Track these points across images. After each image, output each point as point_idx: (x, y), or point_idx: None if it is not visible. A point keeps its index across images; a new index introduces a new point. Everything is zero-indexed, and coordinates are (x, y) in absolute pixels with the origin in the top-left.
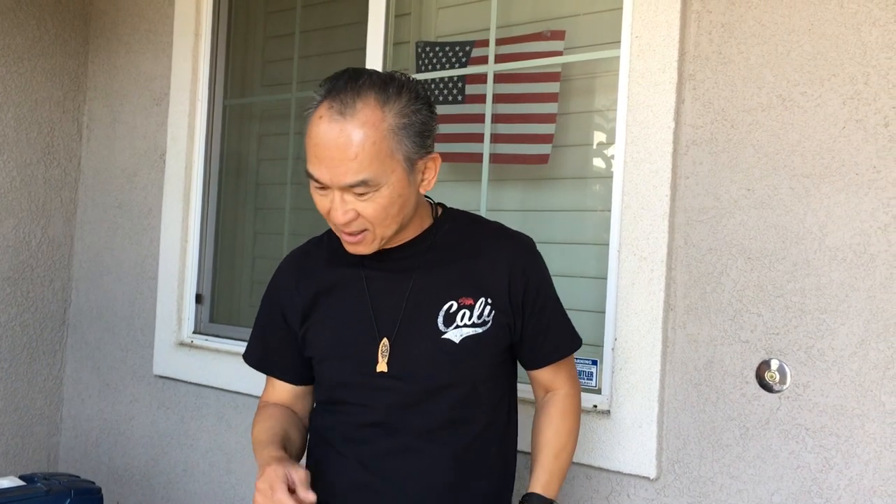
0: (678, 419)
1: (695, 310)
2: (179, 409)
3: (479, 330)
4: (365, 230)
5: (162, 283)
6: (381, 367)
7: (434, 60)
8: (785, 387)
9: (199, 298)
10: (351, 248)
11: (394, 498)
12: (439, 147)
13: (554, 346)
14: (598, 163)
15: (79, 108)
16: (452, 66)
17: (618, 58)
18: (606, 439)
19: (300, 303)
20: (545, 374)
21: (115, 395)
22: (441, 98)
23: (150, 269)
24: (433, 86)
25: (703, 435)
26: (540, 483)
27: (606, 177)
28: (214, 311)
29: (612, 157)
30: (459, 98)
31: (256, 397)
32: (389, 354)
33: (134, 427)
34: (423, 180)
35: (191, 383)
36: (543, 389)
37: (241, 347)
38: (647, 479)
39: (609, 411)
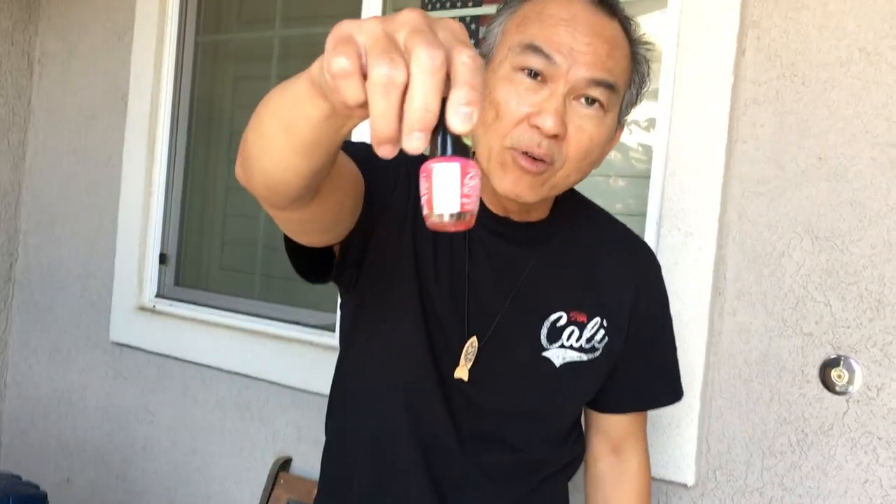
0: (723, 420)
1: (748, 295)
2: (139, 381)
3: (585, 357)
4: (550, 163)
5: (121, 240)
6: (461, 372)
7: None
8: (854, 388)
9: (163, 258)
10: (513, 181)
11: None
12: None
13: (651, 388)
14: (637, 120)
15: (29, 40)
16: (464, 5)
17: None
18: None
19: (403, 210)
20: (620, 424)
21: (66, 362)
22: None
23: (108, 223)
24: None
25: (753, 439)
26: None
27: (647, 136)
28: (180, 274)
29: (655, 113)
30: (472, 41)
31: (227, 371)
32: (475, 359)
33: (87, 398)
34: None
35: (152, 353)
36: (609, 444)
37: (211, 315)
38: (684, 486)
39: None
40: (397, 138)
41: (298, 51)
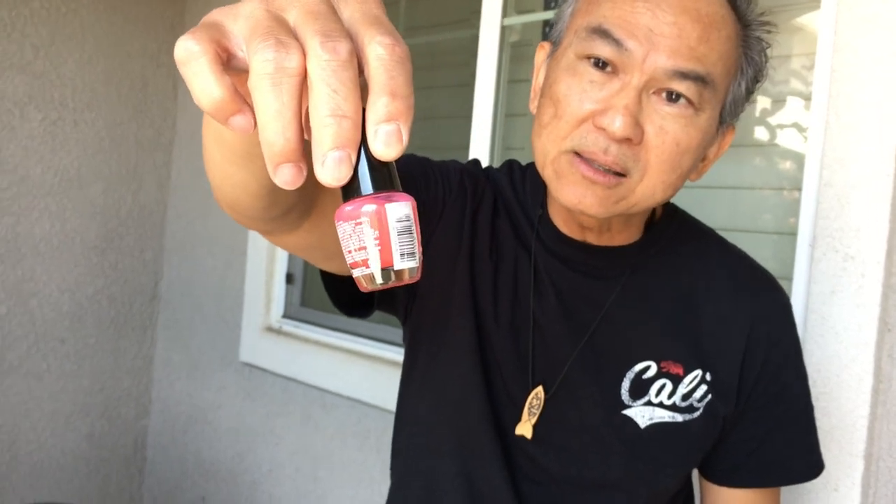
0: (893, 485)
1: None
2: (266, 402)
3: (679, 418)
4: (624, 175)
5: (251, 259)
6: (524, 429)
7: None
8: None
9: (289, 278)
10: (574, 191)
11: None
12: None
13: (777, 459)
14: (786, 123)
15: (174, 62)
16: None
17: None
18: (786, 502)
19: (458, 227)
20: (742, 502)
21: (203, 380)
22: None
23: (241, 242)
24: None
25: None
26: None
27: (798, 142)
28: (306, 294)
29: (808, 112)
30: None
31: (346, 397)
32: (541, 414)
33: (221, 417)
34: (704, 158)
35: (277, 374)
36: None
37: (332, 338)
38: None
39: None
40: (299, 156)
41: (422, 61)
